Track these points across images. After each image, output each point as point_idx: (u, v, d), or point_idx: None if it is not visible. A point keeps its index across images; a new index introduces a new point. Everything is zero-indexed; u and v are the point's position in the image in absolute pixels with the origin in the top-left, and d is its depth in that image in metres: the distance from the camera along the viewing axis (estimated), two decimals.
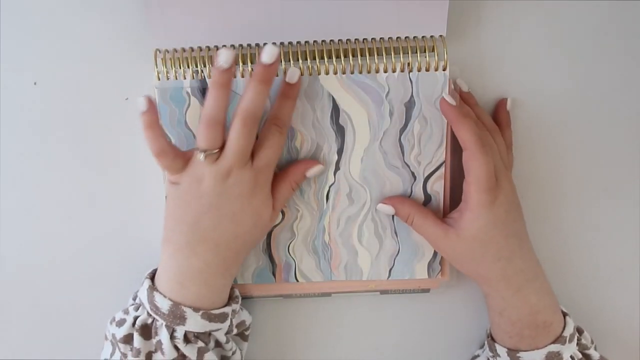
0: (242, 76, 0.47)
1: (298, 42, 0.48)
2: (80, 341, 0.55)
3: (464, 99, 0.49)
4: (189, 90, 0.48)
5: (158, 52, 0.48)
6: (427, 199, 0.51)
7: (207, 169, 0.44)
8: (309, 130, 0.49)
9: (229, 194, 0.44)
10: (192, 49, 0.48)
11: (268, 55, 0.43)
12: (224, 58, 0.42)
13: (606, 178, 0.53)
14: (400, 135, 0.49)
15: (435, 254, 0.52)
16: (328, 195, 0.50)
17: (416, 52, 0.48)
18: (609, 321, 0.56)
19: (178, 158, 0.45)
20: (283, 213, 0.51)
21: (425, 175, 0.50)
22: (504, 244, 0.47)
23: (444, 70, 0.47)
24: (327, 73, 0.48)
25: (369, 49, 0.48)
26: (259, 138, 0.46)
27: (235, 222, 0.45)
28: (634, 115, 0.53)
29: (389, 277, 0.52)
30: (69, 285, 0.54)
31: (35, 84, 0.51)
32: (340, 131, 0.49)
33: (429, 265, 0.52)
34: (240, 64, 0.47)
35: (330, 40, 0.48)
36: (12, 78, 0.51)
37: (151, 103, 0.44)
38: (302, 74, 0.47)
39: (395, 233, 0.51)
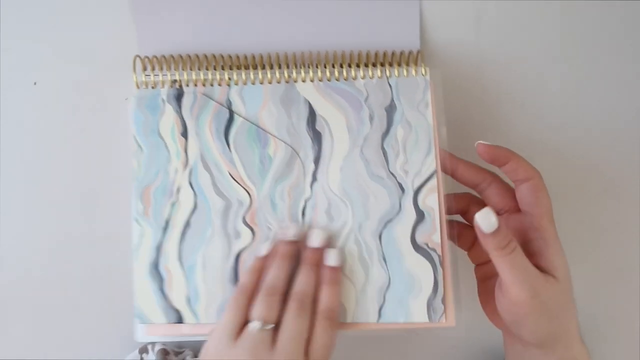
0: (220, 84, 0.47)
1: (277, 53, 0.48)
2: (80, 341, 0.55)
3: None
4: (165, 97, 0.46)
5: (138, 58, 0.47)
6: (420, 217, 0.44)
7: (263, 352, 0.40)
8: (284, 137, 0.45)
9: None
10: (172, 57, 0.47)
11: (316, 239, 0.43)
12: (292, 232, 0.43)
13: (606, 178, 0.53)
14: (383, 141, 0.45)
15: (435, 287, 0.43)
16: (304, 210, 0.45)
17: (394, 65, 0.47)
18: (609, 321, 0.56)
19: (244, 319, 0.42)
20: (253, 231, 0.45)
21: (415, 187, 0.45)
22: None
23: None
24: (303, 81, 0.46)
25: (347, 61, 0.47)
26: (313, 333, 0.41)
27: None
28: (634, 115, 0.53)
29: (379, 318, 0.44)
30: (69, 285, 0.54)
31: (35, 84, 0.52)
32: (317, 137, 0.46)
33: (429, 303, 0.43)
34: (217, 73, 0.47)
35: (310, 52, 0.48)
36: (12, 78, 0.52)
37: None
38: (278, 82, 0.46)
39: (384, 259, 0.44)
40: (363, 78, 0.46)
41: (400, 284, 0.44)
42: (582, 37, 0.51)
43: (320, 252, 0.43)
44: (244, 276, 0.43)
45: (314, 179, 0.45)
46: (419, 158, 0.45)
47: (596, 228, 0.54)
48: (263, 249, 0.43)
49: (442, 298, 0.44)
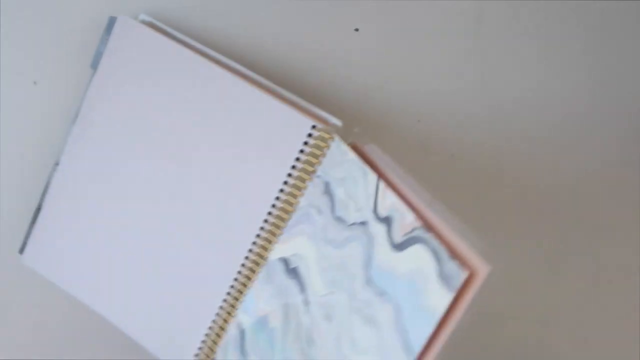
0: None
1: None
2: None
3: None
4: None
5: None
6: (388, 221, 0.40)
7: None
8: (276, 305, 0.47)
9: None
10: None
11: None
12: None
13: (606, 178, 0.53)
14: (333, 212, 0.44)
15: (436, 257, 0.36)
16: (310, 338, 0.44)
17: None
18: (609, 321, 0.57)
19: None
20: None
21: (372, 207, 0.42)
22: None
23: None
24: None
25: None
26: None
27: None
28: (634, 114, 0.52)
29: (410, 355, 0.36)
30: None
31: (35, 83, 0.51)
32: (296, 276, 0.46)
33: (441, 277, 0.35)
34: None
35: None
36: (12, 78, 0.51)
37: None
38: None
39: (382, 294, 0.39)
40: (301, 195, 0.46)
41: (407, 297, 0.37)
42: (583, 35, 0.50)
43: None
44: None
45: (307, 305, 0.45)
46: (360, 186, 0.43)
47: (596, 228, 0.54)
48: None
49: (450, 255, 0.34)
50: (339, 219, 0.43)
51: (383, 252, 0.39)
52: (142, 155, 0.49)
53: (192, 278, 0.49)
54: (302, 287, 0.45)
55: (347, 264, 0.42)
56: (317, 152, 0.45)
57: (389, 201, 0.40)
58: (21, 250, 0.52)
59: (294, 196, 0.46)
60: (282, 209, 0.46)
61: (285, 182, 0.46)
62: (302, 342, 0.44)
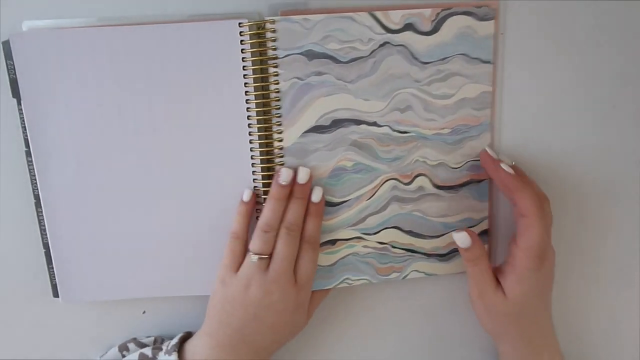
0: None
1: None
2: None
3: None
4: None
5: None
6: None
7: (257, 276, 0.48)
8: (339, 155, 0.51)
9: (274, 309, 0.49)
10: None
11: (303, 176, 0.49)
12: (284, 177, 0.49)
13: (606, 178, 0.53)
14: (341, 62, 0.50)
15: None
16: None
17: None
18: (609, 322, 0.57)
19: (241, 254, 0.50)
20: None
21: None
22: (541, 310, 0.50)
23: None
24: None
25: None
26: (299, 257, 0.50)
27: (276, 332, 0.50)
28: (634, 115, 0.53)
29: None
30: None
31: None
32: (343, 122, 0.50)
33: None
34: None
35: None
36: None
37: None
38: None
39: None
40: (275, 83, 0.49)
41: (464, 44, 0.50)
42: (583, 35, 0.51)
43: (307, 187, 0.49)
44: (234, 224, 0.50)
45: (375, 125, 0.51)
46: (353, 28, 0.49)
47: (596, 228, 0.55)
48: (245, 196, 0.50)
49: (477, 5, 0.49)
50: (353, 60, 0.49)
51: (420, 42, 0.49)
52: (114, 143, 0.49)
53: (219, 217, 0.51)
54: (357, 122, 0.50)
55: (392, 74, 0.49)
56: (261, 40, 0.47)
57: (397, 16, 0.48)
58: (55, 294, 0.52)
59: (267, 86, 0.48)
60: (261, 103, 0.48)
61: (246, 84, 0.48)
62: (398, 138, 0.51)
